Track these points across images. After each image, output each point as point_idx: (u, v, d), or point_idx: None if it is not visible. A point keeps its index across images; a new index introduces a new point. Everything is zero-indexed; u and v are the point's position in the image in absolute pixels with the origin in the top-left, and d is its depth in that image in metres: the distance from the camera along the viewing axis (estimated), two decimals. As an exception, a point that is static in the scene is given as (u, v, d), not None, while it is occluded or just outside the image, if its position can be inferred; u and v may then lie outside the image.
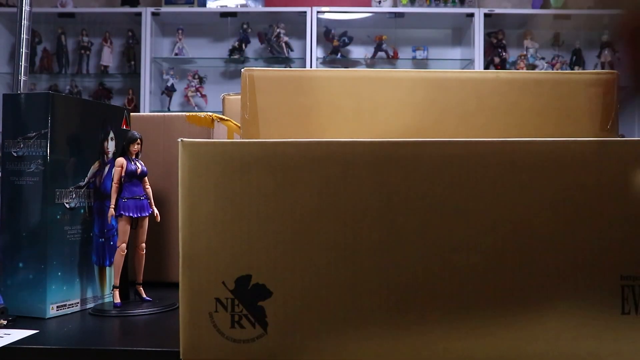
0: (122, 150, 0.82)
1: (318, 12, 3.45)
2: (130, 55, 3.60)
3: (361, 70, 0.75)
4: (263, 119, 0.70)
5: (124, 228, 0.80)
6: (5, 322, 0.70)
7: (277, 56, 3.56)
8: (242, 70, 0.75)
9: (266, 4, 3.56)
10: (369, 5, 3.55)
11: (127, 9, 3.54)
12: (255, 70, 0.71)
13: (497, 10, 3.46)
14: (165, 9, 3.49)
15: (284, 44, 3.55)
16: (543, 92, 0.72)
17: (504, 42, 3.60)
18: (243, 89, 0.72)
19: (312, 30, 3.42)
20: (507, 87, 0.72)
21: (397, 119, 0.72)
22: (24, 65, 1.08)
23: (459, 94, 0.72)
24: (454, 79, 0.73)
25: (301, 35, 3.52)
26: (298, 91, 0.71)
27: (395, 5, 3.56)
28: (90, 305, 0.82)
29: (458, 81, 0.73)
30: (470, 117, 0.72)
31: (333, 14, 3.55)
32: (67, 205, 0.78)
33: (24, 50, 1.07)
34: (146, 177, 0.82)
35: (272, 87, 0.71)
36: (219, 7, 3.51)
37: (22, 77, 1.07)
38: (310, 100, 0.71)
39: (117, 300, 0.80)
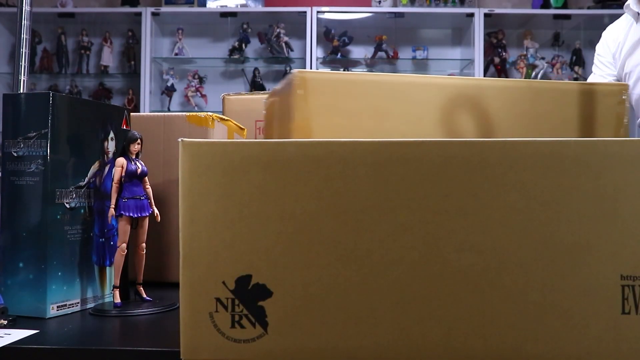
0: (122, 150, 0.82)
1: (318, 12, 3.45)
2: (130, 55, 3.60)
3: (409, 76, 0.76)
4: (316, 121, 0.70)
5: (124, 228, 0.80)
6: (5, 322, 0.70)
7: (277, 56, 3.56)
8: (290, 71, 0.74)
9: (266, 4, 3.56)
10: (369, 5, 3.55)
11: (127, 9, 3.55)
12: (307, 72, 0.71)
13: (497, 10, 3.46)
14: (165, 9, 3.49)
15: (284, 44, 3.55)
16: (568, 102, 0.75)
17: (504, 42, 3.60)
18: (290, 90, 0.72)
19: (312, 30, 3.42)
20: (537, 96, 0.75)
21: (442, 124, 0.73)
22: (24, 65, 1.08)
23: (508, 102, 0.75)
24: (491, 87, 0.75)
25: (301, 35, 3.52)
26: (349, 94, 0.72)
27: (395, 5, 3.56)
28: (90, 305, 0.82)
29: (495, 89, 0.75)
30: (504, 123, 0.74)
31: (333, 14, 3.55)
32: (67, 205, 0.78)
33: (24, 50, 1.07)
34: (146, 177, 0.82)
35: (324, 89, 0.71)
36: (219, 7, 3.51)
37: (22, 77, 1.07)
38: (360, 103, 0.72)
39: (117, 300, 0.80)
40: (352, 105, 0.71)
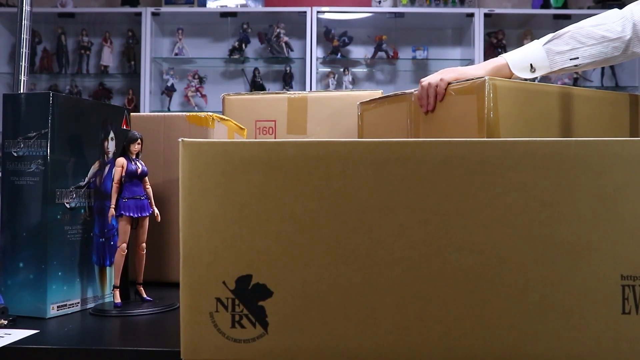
0: (123, 150, 0.82)
1: (318, 12, 3.44)
2: (130, 55, 3.60)
3: (576, 89, 0.84)
4: (503, 125, 0.74)
5: (124, 228, 0.80)
6: (5, 322, 0.70)
7: (277, 56, 3.56)
8: (482, 79, 0.77)
9: (266, 4, 3.56)
10: (369, 5, 3.55)
11: (127, 9, 3.54)
12: (497, 80, 0.76)
13: (497, 10, 3.46)
14: (165, 9, 3.49)
15: (284, 44, 3.55)
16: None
17: (504, 42, 3.60)
18: (480, 95, 0.75)
19: (312, 30, 3.42)
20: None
21: (600, 133, 0.82)
22: (24, 65, 1.08)
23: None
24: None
25: (301, 35, 3.52)
26: (531, 102, 0.78)
27: (395, 5, 3.55)
28: (90, 305, 0.82)
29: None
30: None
31: (333, 14, 3.54)
32: (68, 205, 0.78)
33: (24, 50, 1.07)
34: (146, 177, 0.82)
35: (511, 96, 0.76)
36: (219, 7, 3.50)
37: (22, 77, 1.07)
38: (540, 110, 0.79)
39: (118, 300, 0.80)
40: (536, 112, 0.79)
